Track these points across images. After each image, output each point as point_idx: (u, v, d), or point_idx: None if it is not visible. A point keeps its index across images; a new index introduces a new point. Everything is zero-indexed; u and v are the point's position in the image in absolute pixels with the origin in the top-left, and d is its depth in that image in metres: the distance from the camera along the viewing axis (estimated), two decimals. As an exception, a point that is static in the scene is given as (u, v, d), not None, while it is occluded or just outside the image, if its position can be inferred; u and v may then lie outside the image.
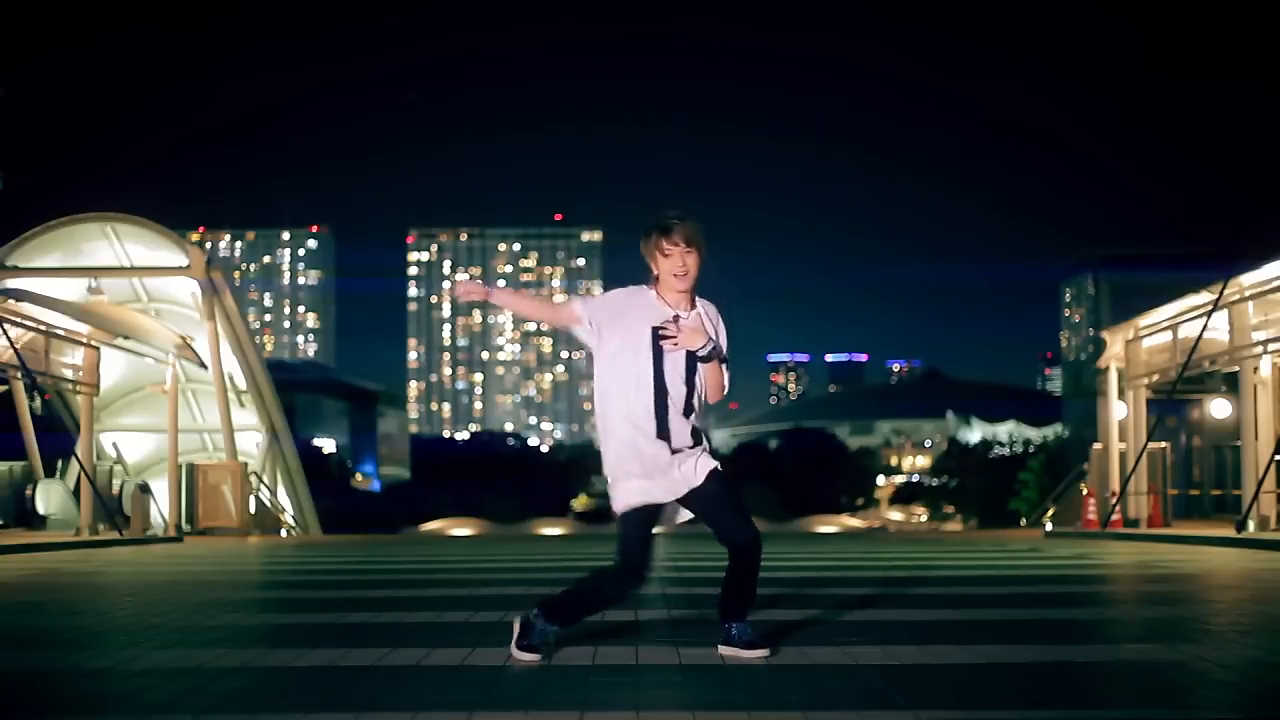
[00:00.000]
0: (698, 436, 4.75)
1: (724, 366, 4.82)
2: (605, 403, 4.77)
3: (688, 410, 4.73)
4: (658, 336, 4.70)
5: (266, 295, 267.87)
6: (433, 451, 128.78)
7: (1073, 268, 67.62)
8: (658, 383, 4.70)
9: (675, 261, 4.74)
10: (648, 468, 4.68)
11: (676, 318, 4.74)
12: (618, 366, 4.73)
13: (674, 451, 4.69)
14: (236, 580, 9.98)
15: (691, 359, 4.73)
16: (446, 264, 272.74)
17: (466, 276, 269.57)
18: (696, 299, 4.84)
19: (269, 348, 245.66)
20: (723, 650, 4.75)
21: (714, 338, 4.76)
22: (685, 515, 4.82)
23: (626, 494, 4.72)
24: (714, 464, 4.75)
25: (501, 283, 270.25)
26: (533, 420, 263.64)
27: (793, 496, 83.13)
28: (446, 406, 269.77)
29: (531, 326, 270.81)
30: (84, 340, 20.79)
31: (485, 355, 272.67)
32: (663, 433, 4.68)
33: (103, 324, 21.35)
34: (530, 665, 4.59)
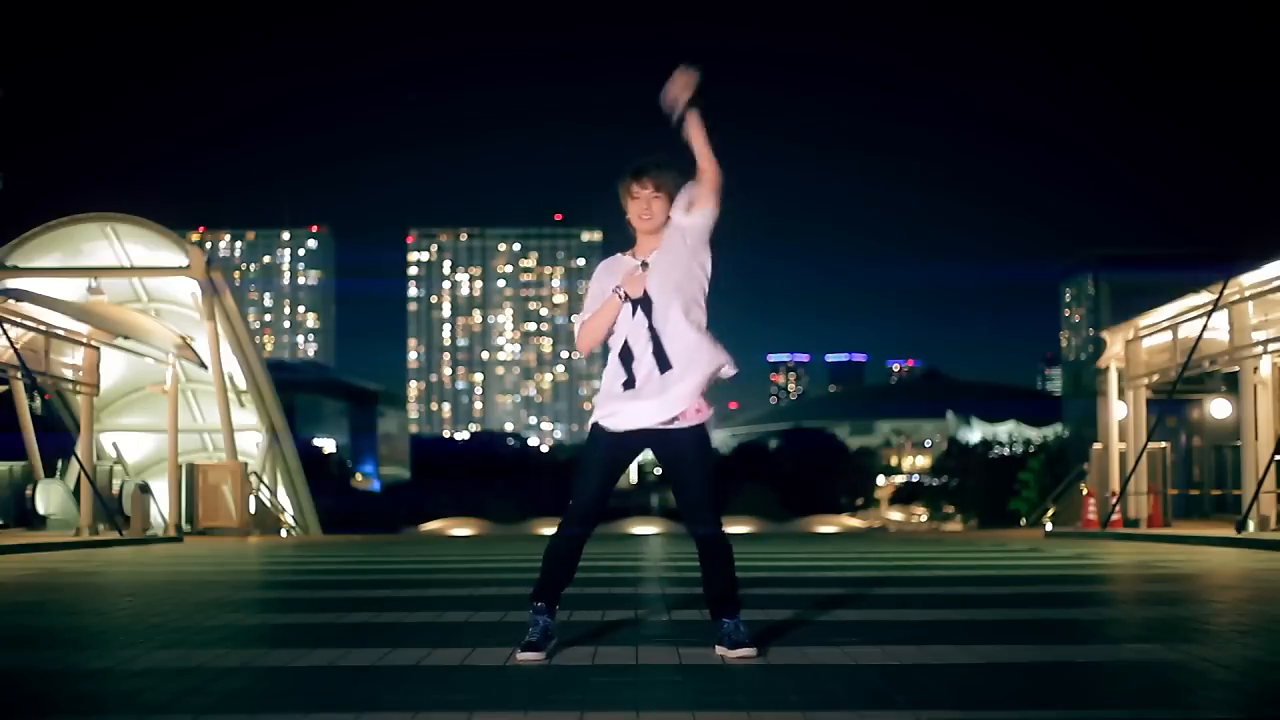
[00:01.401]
0: (664, 362, 4.61)
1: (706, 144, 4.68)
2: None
3: (661, 364, 4.63)
4: (617, 289, 4.68)
5: (266, 295, 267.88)
6: (433, 451, 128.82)
7: (1073, 268, 67.51)
8: (627, 335, 4.67)
9: (640, 205, 4.69)
10: (613, 397, 4.68)
11: (645, 264, 4.68)
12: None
13: (636, 384, 4.63)
14: (236, 580, 9.97)
15: (647, 310, 4.64)
16: (446, 264, 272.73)
17: (467, 276, 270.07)
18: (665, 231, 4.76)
19: (269, 348, 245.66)
20: (716, 648, 4.75)
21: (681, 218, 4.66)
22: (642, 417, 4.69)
23: (596, 420, 4.73)
24: (697, 410, 4.63)
25: (501, 283, 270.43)
26: (533, 420, 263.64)
27: (793, 496, 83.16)
28: (446, 406, 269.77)
29: (531, 326, 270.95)
30: (84, 340, 20.79)
31: (485, 355, 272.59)
32: (629, 374, 4.66)
33: (103, 324, 21.35)
34: (532, 664, 4.59)
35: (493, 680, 4.28)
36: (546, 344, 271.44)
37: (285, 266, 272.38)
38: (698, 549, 4.77)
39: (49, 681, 4.37)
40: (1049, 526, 24.44)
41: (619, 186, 4.75)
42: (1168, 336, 20.91)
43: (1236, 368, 18.84)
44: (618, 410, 4.68)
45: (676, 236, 4.71)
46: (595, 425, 4.75)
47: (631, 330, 4.69)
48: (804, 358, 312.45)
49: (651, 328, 4.66)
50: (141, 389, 25.99)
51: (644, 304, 4.68)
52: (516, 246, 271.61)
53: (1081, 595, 8.02)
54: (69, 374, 20.94)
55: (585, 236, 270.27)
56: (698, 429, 4.69)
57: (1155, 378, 21.79)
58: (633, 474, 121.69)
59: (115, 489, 21.72)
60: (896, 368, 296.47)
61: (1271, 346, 17.64)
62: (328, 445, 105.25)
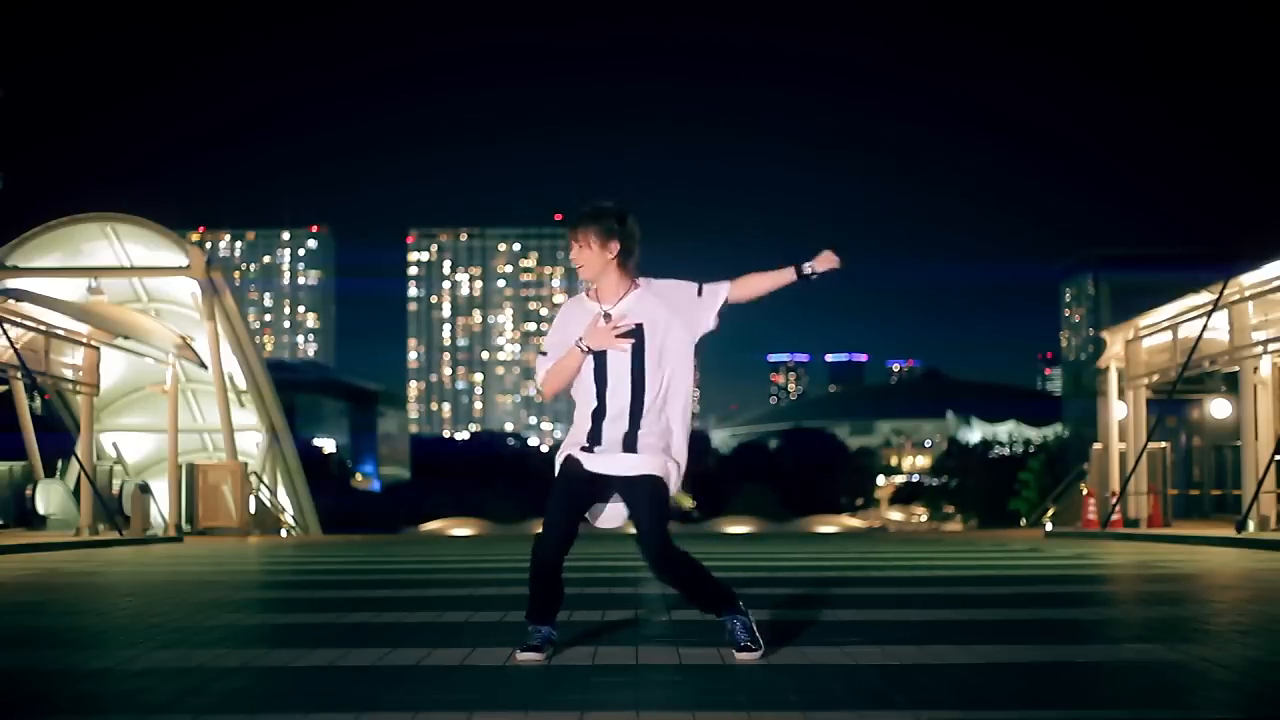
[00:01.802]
0: (632, 440, 4.64)
1: (698, 292, 4.74)
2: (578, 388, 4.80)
3: (635, 412, 4.66)
4: (579, 341, 4.71)
5: (266, 295, 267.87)
6: (433, 451, 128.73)
7: (1073, 268, 67.51)
8: (599, 388, 4.69)
9: (572, 257, 4.79)
10: (580, 452, 4.70)
11: (607, 315, 4.70)
12: (579, 379, 4.76)
13: (603, 444, 4.66)
14: (236, 580, 9.97)
15: (639, 359, 4.67)
16: (446, 264, 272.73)
17: (467, 276, 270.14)
18: (640, 280, 4.78)
19: (269, 348, 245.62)
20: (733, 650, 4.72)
21: (638, 324, 4.67)
22: (610, 519, 4.77)
23: (562, 454, 4.75)
24: (651, 470, 4.63)
25: (501, 283, 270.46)
26: (533, 420, 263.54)
27: (793, 496, 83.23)
28: (446, 406, 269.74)
29: (531, 326, 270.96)
30: (84, 340, 20.79)
31: (485, 355, 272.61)
32: (594, 437, 4.68)
33: (103, 324, 21.35)
34: (532, 664, 4.60)
35: (493, 680, 4.29)
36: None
37: (285, 266, 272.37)
38: (656, 576, 4.76)
39: (49, 681, 4.37)
40: (1049, 526, 24.44)
41: None
42: (1168, 336, 20.92)
43: (1236, 368, 18.84)
44: (584, 457, 4.71)
45: (658, 307, 4.71)
46: (567, 457, 4.74)
47: (612, 388, 4.68)
48: (804, 358, 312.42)
49: (636, 389, 4.67)
50: (141, 389, 26.00)
51: (635, 364, 4.67)
52: (516, 246, 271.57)
53: (1081, 595, 8.02)
54: (69, 374, 20.94)
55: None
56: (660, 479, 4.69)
57: (1155, 378, 21.79)
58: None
59: (115, 489, 21.72)
60: (896, 368, 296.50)
61: (1271, 346, 17.64)
62: (328, 445, 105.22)
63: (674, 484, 4.71)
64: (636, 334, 4.68)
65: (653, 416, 4.68)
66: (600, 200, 4.79)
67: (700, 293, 4.76)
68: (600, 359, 4.70)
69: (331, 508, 37.77)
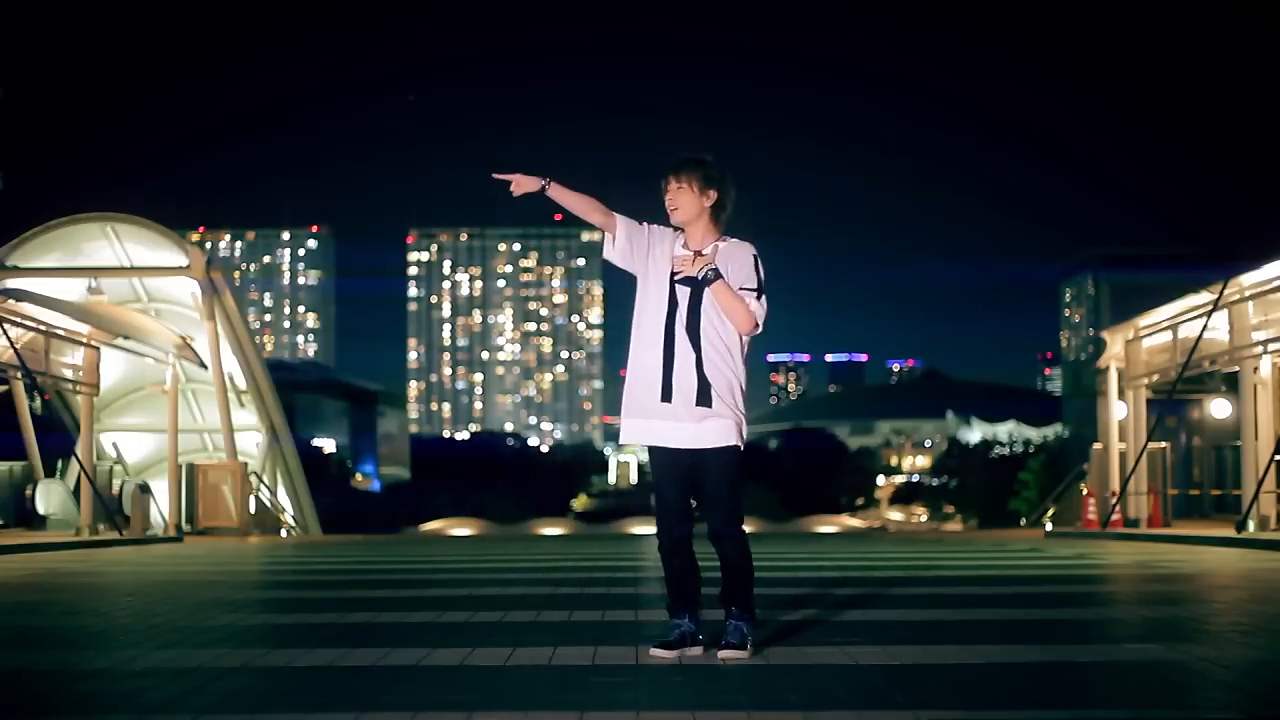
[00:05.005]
0: (705, 395, 4.67)
1: (757, 298, 4.72)
2: (634, 337, 4.80)
3: (700, 362, 4.67)
4: (673, 276, 4.73)
5: (266, 295, 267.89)
6: (433, 451, 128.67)
7: (1073, 268, 67.39)
8: (668, 328, 4.70)
9: (668, 199, 4.80)
10: (648, 408, 4.71)
11: (698, 254, 4.74)
12: (643, 304, 4.76)
13: (673, 399, 4.67)
14: (236, 580, 9.97)
15: (696, 306, 4.68)
16: (446, 264, 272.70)
17: (467, 276, 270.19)
18: (726, 238, 4.83)
19: (269, 348, 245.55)
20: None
21: (718, 267, 4.69)
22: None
23: (627, 432, 4.79)
24: (732, 441, 4.70)
25: (501, 283, 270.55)
26: (533, 420, 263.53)
27: (793, 496, 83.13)
28: (446, 406, 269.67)
29: (531, 326, 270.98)
30: (84, 340, 20.79)
31: (485, 355, 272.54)
32: (666, 380, 4.68)
33: (103, 324, 21.35)
34: (662, 662, 4.61)
35: (493, 680, 4.29)
36: (546, 344, 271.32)
37: (285, 266, 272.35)
38: (711, 542, 4.79)
39: (49, 681, 4.37)
40: (1049, 526, 24.42)
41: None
42: (1168, 336, 20.92)
43: (1236, 368, 18.84)
44: (651, 427, 4.72)
45: (730, 269, 4.75)
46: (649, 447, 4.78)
47: (679, 335, 4.69)
48: (804, 358, 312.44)
49: (696, 337, 4.69)
50: (141, 389, 25.99)
51: (692, 306, 4.69)
52: (516, 246, 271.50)
53: (1081, 595, 8.02)
54: (69, 374, 20.93)
55: (585, 236, 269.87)
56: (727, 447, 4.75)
57: (1155, 378, 21.79)
58: (633, 474, 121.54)
59: (115, 489, 21.71)
60: (896, 368, 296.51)
61: (1271, 346, 17.64)
62: (328, 445, 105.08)
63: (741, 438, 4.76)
64: (705, 272, 4.67)
65: (707, 377, 4.69)
66: (693, 154, 4.83)
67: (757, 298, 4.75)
68: (673, 302, 4.70)
69: (331, 508, 37.68)
